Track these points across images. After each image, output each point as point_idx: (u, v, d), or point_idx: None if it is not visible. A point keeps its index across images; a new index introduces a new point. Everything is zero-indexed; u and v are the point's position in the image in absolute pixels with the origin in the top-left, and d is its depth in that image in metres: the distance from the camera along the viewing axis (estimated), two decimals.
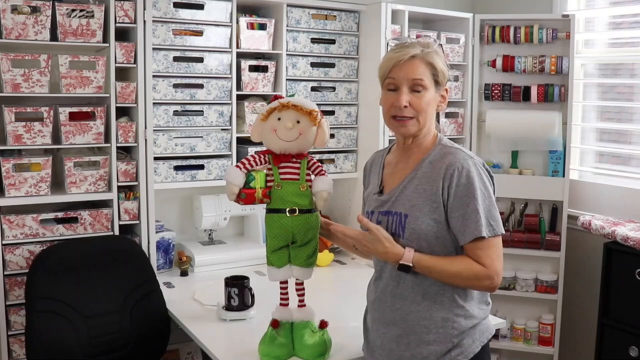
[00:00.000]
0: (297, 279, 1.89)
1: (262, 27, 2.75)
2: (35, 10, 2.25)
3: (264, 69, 2.78)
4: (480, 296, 1.68)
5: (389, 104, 1.65)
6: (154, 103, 2.51)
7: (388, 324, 1.68)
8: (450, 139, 1.75)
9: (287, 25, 2.79)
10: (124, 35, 2.49)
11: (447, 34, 3.15)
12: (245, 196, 1.80)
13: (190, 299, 2.43)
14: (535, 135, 3.07)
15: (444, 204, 1.59)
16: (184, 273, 2.72)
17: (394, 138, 3.04)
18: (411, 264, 1.57)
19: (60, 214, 2.40)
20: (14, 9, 2.23)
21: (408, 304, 1.64)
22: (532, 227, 3.17)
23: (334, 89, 2.98)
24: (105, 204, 2.48)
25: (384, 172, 1.77)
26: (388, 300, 1.67)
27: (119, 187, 2.47)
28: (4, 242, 2.29)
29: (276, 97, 1.84)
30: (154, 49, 2.49)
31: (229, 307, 2.21)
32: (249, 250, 2.88)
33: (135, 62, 2.43)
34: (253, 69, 2.76)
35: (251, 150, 2.68)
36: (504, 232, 1.60)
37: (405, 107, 1.61)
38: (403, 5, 2.97)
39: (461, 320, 1.62)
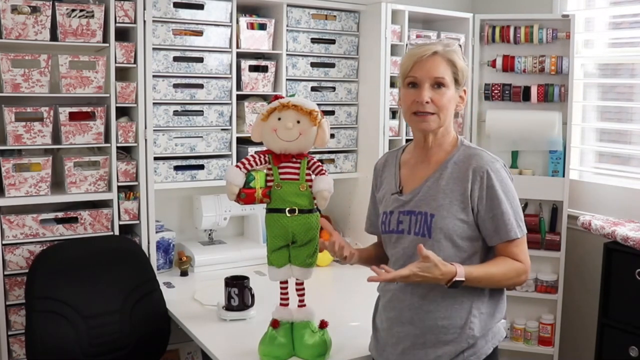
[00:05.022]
0: (297, 279, 1.89)
1: (262, 27, 2.75)
2: (35, 10, 2.25)
3: (264, 69, 2.78)
4: (497, 297, 1.69)
5: (409, 100, 1.66)
6: (154, 103, 2.51)
7: (404, 323, 1.68)
8: None
9: (287, 25, 2.79)
10: (124, 35, 2.49)
11: (447, 34, 3.15)
12: (245, 196, 1.81)
13: (190, 299, 2.43)
14: (535, 135, 3.07)
15: (473, 205, 1.61)
16: (184, 273, 2.72)
17: (394, 138, 3.05)
18: (464, 279, 1.56)
19: (60, 214, 2.40)
20: (14, 9, 2.22)
21: (427, 303, 1.64)
22: (532, 227, 3.15)
23: (334, 89, 2.98)
24: (105, 204, 2.48)
25: (400, 172, 1.77)
26: (407, 299, 1.67)
27: (119, 187, 2.47)
28: (4, 242, 2.29)
29: (276, 97, 1.84)
30: (154, 49, 2.49)
31: (229, 307, 2.21)
32: (249, 250, 2.88)
33: (135, 62, 2.43)
34: (253, 69, 2.76)
35: (251, 150, 2.68)
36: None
37: (427, 102, 1.63)
38: (403, 5, 2.97)
39: (479, 321, 1.64)
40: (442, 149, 1.70)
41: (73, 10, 2.31)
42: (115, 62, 2.40)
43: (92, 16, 2.34)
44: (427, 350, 1.64)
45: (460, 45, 1.71)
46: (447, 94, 1.64)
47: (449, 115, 1.67)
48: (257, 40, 2.74)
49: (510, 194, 1.64)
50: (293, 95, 1.86)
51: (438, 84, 1.63)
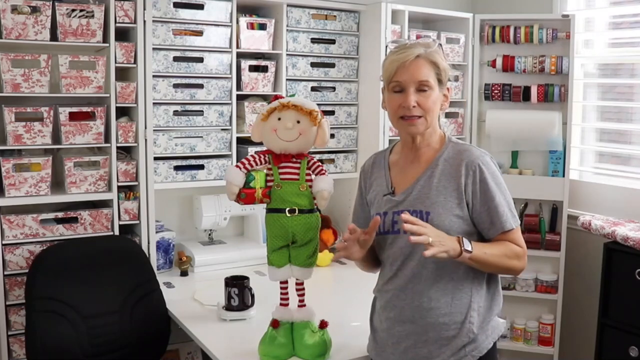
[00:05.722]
0: (297, 279, 1.89)
1: (262, 27, 2.75)
2: (35, 10, 2.25)
3: (264, 69, 2.78)
4: (494, 289, 1.71)
5: (396, 105, 1.66)
6: (154, 103, 2.51)
7: (405, 322, 1.68)
8: None
9: (287, 25, 2.79)
10: (124, 35, 2.49)
11: (447, 34, 3.15)
12: (245, 196, 1.81)
13: (190, 299, 2.43)
14: (535, 135, 3.07)
15: (467, 200, 1.64)
16: (184, 273, 2.72)
17: (395, 138, 3.05)
18: (470, 248, 1.57)
19: (60, 214, 2.40)
20: (14, 9, 2.23)
21: (427, 301, 1.65)
22: (532, 227, 3.17)
23: (334, 89, 2.98)
24: (105, 204, 2.48)
25: (390, 173, 1.77)
26: (407, 298, 1.67)
27: (119, 187, 2.47)
28: (4, 242, 2.29)
29: (276, 97, 1.84)
30: (154, 49, 2.49)
31: (229, 307, 2.21)
32: (249, 250, 2.88)
33: (135, 62, 2.43)
34: (253, 69, 2.76)
35: (251, 150, 2.68)
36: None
37: (414, 106, 1.63)
38: (403, 5, 2.97)
39: (478, 315, 1.65)
40: (430, 147, 1.72)
41: (73, 10, 2.31)
42: (115, 62, 2.40)
43: (92, 16, 2.34)
44: (429, 348, 1.65)
45: (440, 45, 1.70)
46: (432, 95, 1.65)
47: (436, 116, 1.69)
48: (257, 40, 2.74)
49: (502, 186, 1.66)
50: (293, 95, 1.86)
51: (423, 87, 1.64)
